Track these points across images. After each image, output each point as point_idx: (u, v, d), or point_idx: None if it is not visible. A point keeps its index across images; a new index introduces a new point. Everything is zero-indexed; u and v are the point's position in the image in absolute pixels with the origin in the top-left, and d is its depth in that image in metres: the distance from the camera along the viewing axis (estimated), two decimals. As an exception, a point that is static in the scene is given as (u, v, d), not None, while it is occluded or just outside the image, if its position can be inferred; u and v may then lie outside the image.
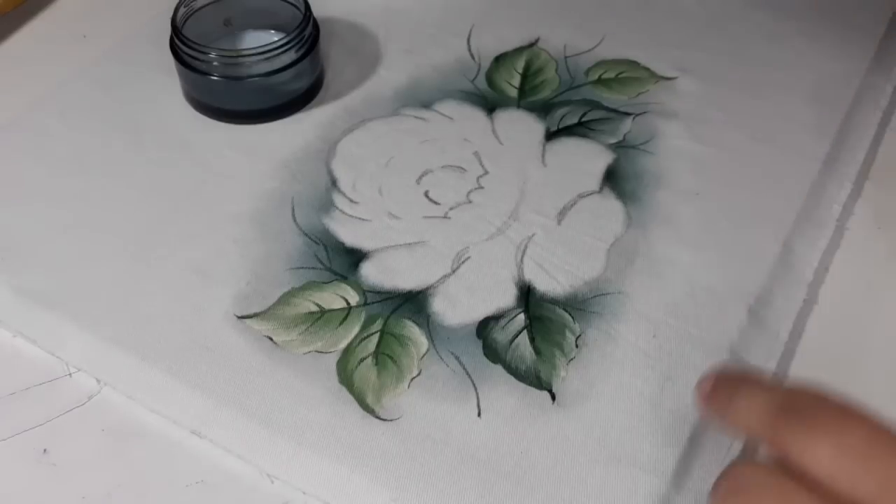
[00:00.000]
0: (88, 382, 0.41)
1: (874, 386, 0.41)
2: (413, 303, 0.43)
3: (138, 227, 0.46)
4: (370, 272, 0.44)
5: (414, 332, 0.42)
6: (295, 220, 0.47)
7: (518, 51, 0.56)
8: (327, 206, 0.47)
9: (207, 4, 0.53)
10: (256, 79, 0.50)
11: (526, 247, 0.45)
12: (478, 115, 0.52)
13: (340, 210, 0.47)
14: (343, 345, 0.41)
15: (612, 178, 0.49)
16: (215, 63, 0.49)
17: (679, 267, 0.44)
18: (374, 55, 0.55)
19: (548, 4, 0.59)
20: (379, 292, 0.43)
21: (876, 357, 0.42)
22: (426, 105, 0.52)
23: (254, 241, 0.45)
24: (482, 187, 0.48)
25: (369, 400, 0.40)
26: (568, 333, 0.42)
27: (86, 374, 0.41)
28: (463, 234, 0.46)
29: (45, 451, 0.39)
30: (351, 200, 0.48)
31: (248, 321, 0.42)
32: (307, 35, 0.51)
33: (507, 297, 0.43)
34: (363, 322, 0.42)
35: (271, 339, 0.42)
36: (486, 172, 0.49)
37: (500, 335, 0.42)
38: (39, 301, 0.43)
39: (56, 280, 0.44)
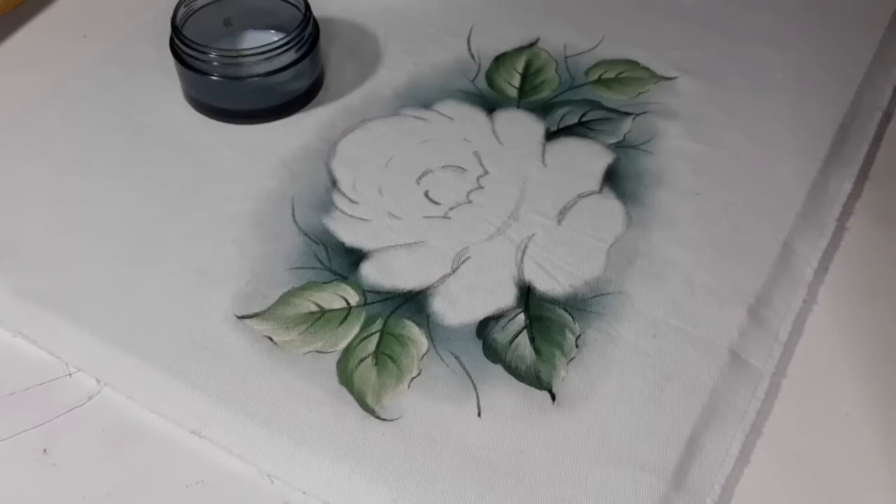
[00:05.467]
0: (88, 382, 0.41)
1: (874, 386, 0.41)
2: (413, 303, 0.43)
3: (138, 227, 0.46)
4: (370, 272, 0.44)
5: (414, 332, 0.42)
6: (295, 220, 0.47)
7: (518, 51, 0.56)
8: (327, 206, 0.47)
9: (207, 4, 0.53)
10: (256, 79, 0.50)
11: (526, 247, 0.45)
12: (478, 115, 0.52)
13: (340, 210, 0.47)
14: (343, 345, 0.41)
15: (612, 178, 0.49)
16: (215, 63, 0.49)
17: (679, 267, 0.44)
18: (374, 55, 0.55)
19: (548, 4, 0.59)
20: (379, 292, 0.43)
21: (876, 357, 0.42)
22: (426, 105, 0.52)
23: (253, 241, 0.45)
24: (482, 187, 0.48)
25: (369, 400, 0.40)
26: (568, 333, 0.42)
27: (86, 374, 0.41)
28: (463, 234, 0.46)
29: (45, 451, 0.39)
30: (351, 200, 0.48)
31: (248, 321, 0.42)
32: (307, 35, 0.51)
33: (507, 297, 0.43)
34: (363, 322, 0.42)
35: (271, 339, 0.42)
36: (486, 172, 0.49)
37: (500, 335, 0.42)
38: (39, 301, 0.43)
39: (56, 280, 0.44)
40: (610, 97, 0.53)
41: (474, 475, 0.37)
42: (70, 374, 0.41)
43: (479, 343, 0.42)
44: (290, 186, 0.48)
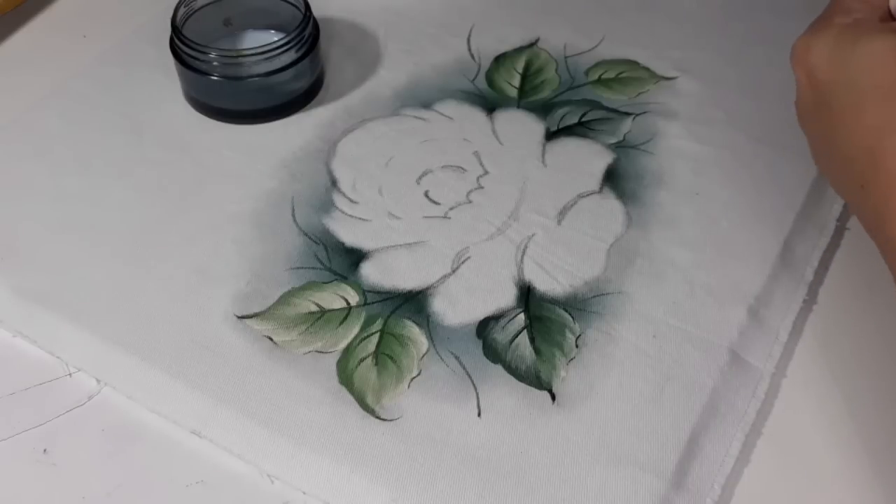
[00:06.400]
0: (88, 382, 0.41)
1: (874, 386, 0.41)
2: (413, 303, 0.43)
3: (138, 227, 0.46)
4: (370, 272, 0.44)
5: (414, 332, 0.42)
6: (295, 220, 0.47)
7: (518, 51, 0.56)
8: (327, 206, 0.47)
9: (207, 4, 0.53)
10: (256, 79, 0.50)
11: (526, 247, 0.45)
12: (478, 115, 0.52)
13: (340, 210, 0.47)
14: (343, 345, 0.41)
15: (612, 178, 0.49)
16: (215, 63, 0.49)
17: (679, 267, 0.44)
18: (374, 55, 0.55)
19: (548, 4, 0.59)
20: (379, 292, 0.43)
21: (876, 357, 0.42)
22: (426, 105, 0.52)
23: (253, 241, 0.45)
24: (482, 187, 0.48)
25: (369, 400, 0.40)
26: (568, 333, 0.42)
27: (86, 374, 0.41)
28: (463, 234, 0.46)
29: (45, 451, 0.39)
30: (351, 200, 0.48)
31: (248, 321, 0.42)
32: (307, 35, 0.51)
33: (507, 297, 0.43)
34: (363, 322, 0.42)
35: (271, 339, 0.42)
36: (486, 172, 0.49)
37: (500, 335, 0.42)
38: (39, 301, 0.43)
39: (56, 280, 0.44)
40: (610, 97, 0.53)
41: (474, 475, 0.37)
42: (70, 374, 0.41)
43: (479, 343, 0.42)
44: (290, 186, 0.48)
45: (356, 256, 0.45)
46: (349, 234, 0.46)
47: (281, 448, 0.38)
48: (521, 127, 0.51)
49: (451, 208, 0.47)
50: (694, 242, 0.45)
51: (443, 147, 0.50)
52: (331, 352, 0.41)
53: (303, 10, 0.51)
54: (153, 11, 0.57)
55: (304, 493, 0.37)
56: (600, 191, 0.48)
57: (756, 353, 0.41)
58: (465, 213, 0.47)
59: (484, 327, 0.42)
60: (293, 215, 0.47)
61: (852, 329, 0.43)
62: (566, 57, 0.55)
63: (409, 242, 0.46)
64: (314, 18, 0.52)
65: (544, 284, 0.44)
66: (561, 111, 0.52)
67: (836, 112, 0.36)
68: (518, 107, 0.52)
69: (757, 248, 0.45)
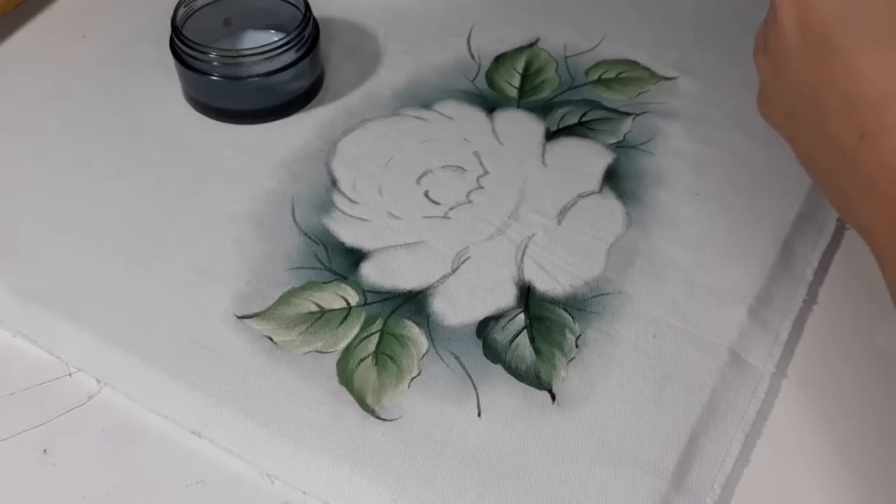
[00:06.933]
0: (88, 382, 0.41)
1: (873, 386, 0.41)
2: (413, 303, 0.43)
3: (138, 227, 0.46)
4: (370, 272, 0.44)
5: (414, 332, 0.42)
6: (295, 220, 0.47)
7: (518, 51, 0.56)
8: (327, 206, 0.47)
9: (207, 4, 0.53)
10: (256, 79, 0.50)
11: (526, 247, 0.45)
12: (478, 115, 0.52)
13: (340, 210, 0.47)
14: (343, 345, 0.41)
15: (612, 178, 0.49)
16: (215, 63, 0.49)
17: (679, 267, 0.44)
18: (374, 55, 0.55)
19: (548, 4, 0.59)
20: (379, 292, 0.43)
21: (875, 357, 0.42)
22: (426, 105, 0.52)
23: (253, 241, 0.45)
24: (482, 187, 0.48)
25: (369, 400, 0.40)
26: (568, 333, 0.42)
27: (86, 374, 0.41)
28: (463, 234, 0.46)
29: (45, 451, 0.39)
30: (351, 200, 0.48)
31: (248, 321, 0.42)
32: (307, 35, 0.51)
33: (507, 297, 0.43)
34: (363, 322, 0.42)
35: (271, 339, 0.42)
36: (486, 172, 0.49)
37: (500, 335, 0.42)
38: (39, 301, 0.43)
39: (56, 280, 0.44)
40: (610, 97, 0.53)
41: (474, 475, 0.37)
42: (70, 374, 0.41)
43: (479, 343, 0.42)
44: (290, 186, 0.48)
45: (356, 256, 0.45)
46: (349, 234, 0.46)
47: (281, 448, 0.38)
48: (521, 127, 0.51)
49: (451, 208, 0.47)
50: (694, 242, 0.45)
51: (443, 147, 0.50)
52: (331, 352, 0.41)
53: (303, 10, 0.51)
54: (153, 11, 0.57)
55: (304, 493, 0.37)
56: (600, 191, 0.48)
57: (756, 353, 0.41)
58: (465, 213, 0.47)
59: (484, 327, 0.42)
60: (293, 215, 0.47)
61: (852, 329, 0.43)
62: (566, 57, 0.55)
63: (409, 242, 0.46)
64: (314, 18, 0.52)
65: (544, 284, 0.44)
66: (561, 111, 0.52)
67: (841, 53, 0.32)
68: (518, 107, 0.52)
69: (757, 248, 0.45)
